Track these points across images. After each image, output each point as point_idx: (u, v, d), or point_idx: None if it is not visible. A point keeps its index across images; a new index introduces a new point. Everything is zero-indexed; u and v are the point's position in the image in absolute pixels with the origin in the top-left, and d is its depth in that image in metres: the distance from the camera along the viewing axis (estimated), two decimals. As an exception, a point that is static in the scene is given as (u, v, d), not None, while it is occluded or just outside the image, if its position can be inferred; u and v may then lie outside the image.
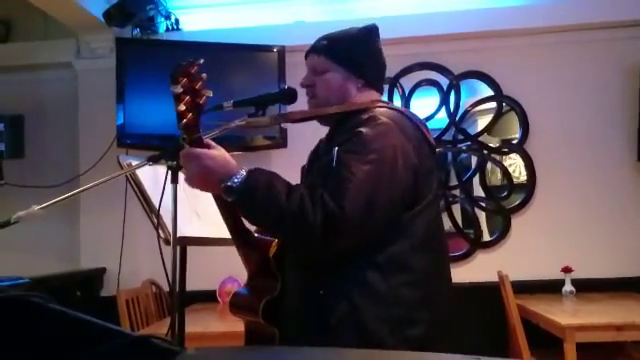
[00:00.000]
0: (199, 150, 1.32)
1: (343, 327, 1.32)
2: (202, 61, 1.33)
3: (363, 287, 1.33)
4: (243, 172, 1.32)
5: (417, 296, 1.36)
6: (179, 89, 1.29)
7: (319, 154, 1.54)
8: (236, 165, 1.34)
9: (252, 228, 1.53)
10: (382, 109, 1.45)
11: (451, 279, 1.52)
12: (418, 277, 1.37)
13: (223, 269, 3.46)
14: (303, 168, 1.64)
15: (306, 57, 1.60)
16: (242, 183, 1.30)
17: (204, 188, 1.39)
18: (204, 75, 1.33)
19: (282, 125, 3.47)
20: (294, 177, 1.71)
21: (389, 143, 1.35)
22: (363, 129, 1.36)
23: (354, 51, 1.54)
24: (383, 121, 1.38)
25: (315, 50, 1.57)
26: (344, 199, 1.26)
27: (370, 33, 1.58)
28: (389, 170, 1.33)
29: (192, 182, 1.36)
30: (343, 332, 1.32)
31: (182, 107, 1.29)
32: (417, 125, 1.48)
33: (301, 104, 1.60)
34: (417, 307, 1.35)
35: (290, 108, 1.63)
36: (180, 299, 1.78)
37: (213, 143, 1.38)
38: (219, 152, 1.35)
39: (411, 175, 1.37)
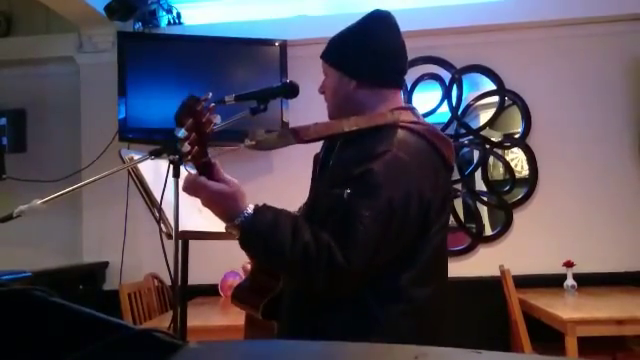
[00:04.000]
0: (204, 182, 1.26)
1: None
2: (210, 95, 1.26)
3: (360, 314, 1.30)
4: (249, 210, 1.27)
5: (415, 326, 1.31)
6: (182, 133, 1.24)
7: (331, 160, 1.45)
8: (242, 202, 1.28)
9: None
10: (401, 133, 1.33)
11: (447, 303, 1.46)
12: (418, 308, 1.32)
13: (225, 263, 3.47)
14: (316, 156, 1.58)
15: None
16: (245, 224, 1.26)
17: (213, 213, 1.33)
18: (212, 105, 1.26)
19: (284, 120, 3.47)
20: (295, 172, 1.72)
21: (402, 186, 1.28)
22: (375, 167, 1.27)
23: (343, 49, 1.44)
24: (398, 158, 1.29)
25: (321, 54, 1.50)
26: (352, 251, 1.22)
27: (366, 22, 1.46)
28: (400, 216, 1.27)
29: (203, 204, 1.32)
30: None
31: (187, 147, 1.24)
32: (436, 146, 1.37)
33: (304, 100, 1.59)
34: (414, 338, 1.31)
35: (292, 102, 1.62)
36: (182, 293, 1.78)
37: (224, 176, 1.30)
38: (225, 188, 1.27)
39: (423, 214, 1.31)
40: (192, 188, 1.28)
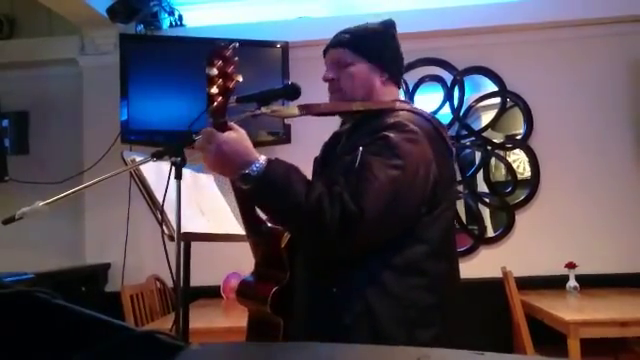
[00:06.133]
0: (218, 132, 1.29)
1: (357, 327, 1.31)
2: (237, 44, 1.32)
3: (378, 288, 1.33)
4: (262, 161, 1.28)
5: (431, 299, 1.36)
6: (214, 71, 1.28)
7: (338, 150, 1.51)
8: (255, 152, 1.30)
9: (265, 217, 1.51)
10: (406, 113, 1.43)
11: (460, 281, 1.52)
12: (432, 281, 1.37)
13: (227, 265, 3.47)
14: (316, 159, 1.62)
15: (326, 51, 1.57)
16: (260, 172, 1.26)
17: (221, 172, 1.35)
18: (237, 59, 1.32)
19: (285, 121, 3.47)
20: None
21: (414, 151, 1.34)
22: (390, 134, 1.34)
23: (378, 45, 1.54)
24: (411, 128, 1.37)
25: (338, 43, 1.54)
26: (364, 200, 1.24)
27: (389, 27, 1.58)
28: (411, 178, 1.32)
29: (209, 165, 1.32)
30: (357, 332, 1.31)
31: (214, 90, 1.28)
32: (438, 129, 1.45)
33: (305, 101, 1.59)
34: (431, 310, 1.35)
35: (294, 104, 1.62)
36: (184, 295, 1.78)
37: (235, 126, 1.33)
38: (239, 136, 1.30)
39: (431, 185, 1.36)
40: (205, 139, 1.29)
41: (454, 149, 1.58)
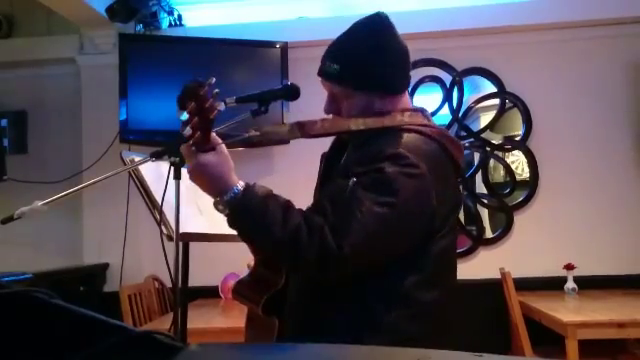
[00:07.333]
0: (198, 153, 1.26)
1: None
2: (214, 80, 1.24)
3: (365, 317, 1.29)
4: (239, 188, 1.25)
5: (419, 330, 1.31)
6: (184, 116, 1.23)
7: (342, 161, 1.45)
8: (233, 178, 1.27)
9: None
10: (410, 136, 1.33)
11: (453, 308, 1.45)
12: (422, 311, 1.31)
13: (225, 265, 3.47)
14: (323, 155, 1.58)
15: (319, 74, 1.45)
16: (236, 200, 1.24)
17: (200, 187, 1.32)
18: (216, 91, 1.24)
19: (284, 122, 3.47)
20: (296, 174, 1.71)
21: (410, 187, 1.25)
22: (386, 167, 1.25)
23: (372, 69, 1.39)
24: (410, 161, 1.26)
25: (328, 77, 1.42)
26: (345, 237, 1.18)
27: (377, 28, 1.42)
28: (402, 215, 1.24)
29: (190, 177, 1.31)
30: None
31: (188, 131, 1.23)
32: (446, 148, 1.36)
33: (304, 102, 1.59)
34: (419, 340, 1.29)
35: (293, 105, 1.61)
36: (182, 295, 1.78)
37: (220, 146, 1.28)
38: (219, 159, 1.27)
39: (428, 218, 1.29)
40: (186, 155, 1.28)
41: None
